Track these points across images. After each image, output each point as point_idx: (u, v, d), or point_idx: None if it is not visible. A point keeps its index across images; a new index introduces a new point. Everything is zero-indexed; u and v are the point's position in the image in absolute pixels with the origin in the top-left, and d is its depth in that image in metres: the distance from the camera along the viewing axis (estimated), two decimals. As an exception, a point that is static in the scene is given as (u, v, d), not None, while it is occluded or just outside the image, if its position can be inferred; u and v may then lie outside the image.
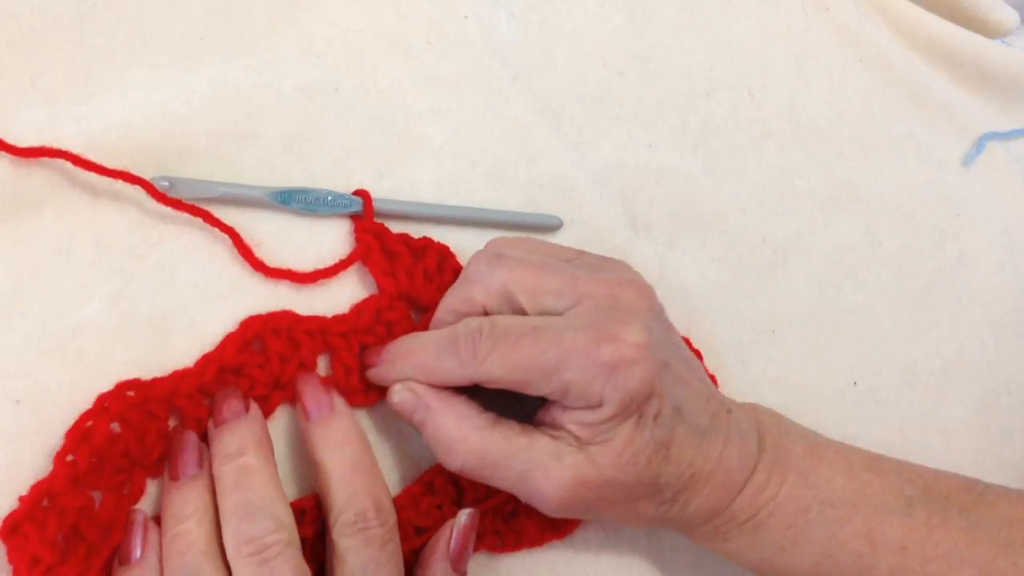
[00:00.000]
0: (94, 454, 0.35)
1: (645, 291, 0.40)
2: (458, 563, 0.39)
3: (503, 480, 0.38)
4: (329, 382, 0.40)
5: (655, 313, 0.39)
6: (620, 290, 0.39)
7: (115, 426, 0.36)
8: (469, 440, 0.38)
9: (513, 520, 0.43)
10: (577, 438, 0.37)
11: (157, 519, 0.36)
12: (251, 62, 0.44)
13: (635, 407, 0.37)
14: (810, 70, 0.58)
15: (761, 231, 0.54)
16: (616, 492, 0.38)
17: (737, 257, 0.53)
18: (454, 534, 0.39)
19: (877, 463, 0.42)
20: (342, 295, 0.42)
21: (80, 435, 0.35)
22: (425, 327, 0.42)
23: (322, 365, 0.41)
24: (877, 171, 0.58)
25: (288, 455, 0.40)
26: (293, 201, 0.42)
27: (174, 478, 0.36)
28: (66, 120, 0.39)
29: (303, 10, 0.46)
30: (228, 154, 0.42)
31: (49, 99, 0.39)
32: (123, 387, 0.36)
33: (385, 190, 0.45)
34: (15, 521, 0.33)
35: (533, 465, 0.37)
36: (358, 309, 0.41)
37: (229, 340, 0.39)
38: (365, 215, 0.43)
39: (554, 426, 0.38)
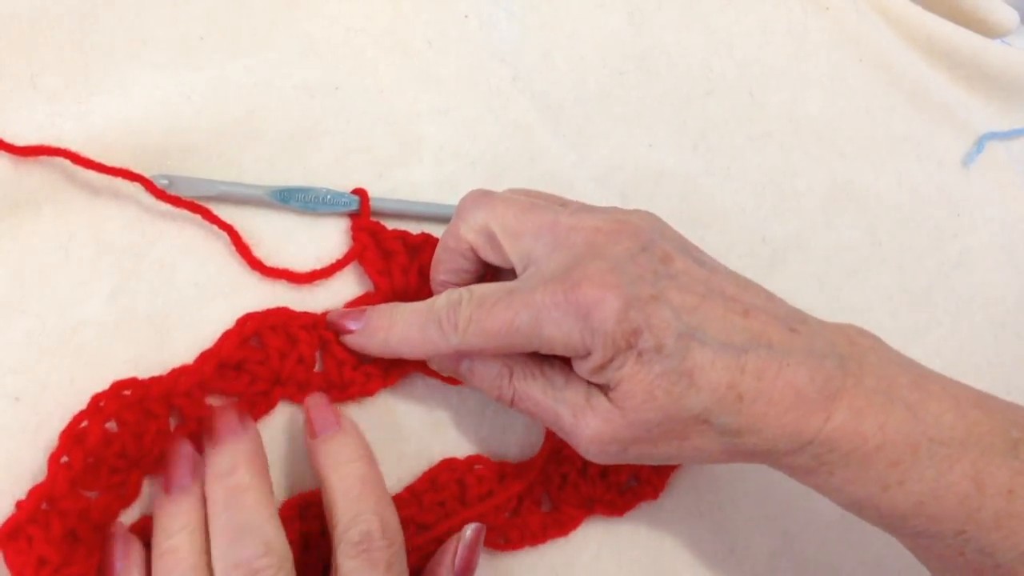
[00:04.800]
0: (89, 455, 0.35)
1: (627, 229, 0.38)
2: None
3: (545, 419, 0.38)
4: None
5: (641, 246, 0.38)
6: (597, 235, 0.38)
7: (111, 425, 0.36)
8: (516, 379, 0.38)
9: (515, 517, 0.43)
10: (596, 386, 0.37)
11: (148, 524, 0.36)
12: (251, 61, 0.44)
13: (624, 345, 0.35)
14: (810, 70, 0.58)
15: (761, 231, 0.54)
16: (651, 431, 0.37)
17: (737, 257, 0.53)
18: (459, 548, 0.39)
19: (984, 400, 0.40)
20: (339, 293, 0.42)
21: (74, 436, 0.35)
22: None
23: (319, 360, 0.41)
24: (877, 171, 0.58)
25: (289, 452, 0.40)
26: (292, 200, 0.42)
27: (166, 490, 0.36)
28: (66, 119, 0.39)
29: (303, 9, 0.46)
30: (228, 152, 0.42)
31: (49, 98, 0.39)
32: (119, 386, 0.36)
33: (385, 189, 0.45)
34: (15, 526, 0.33)
35: (567, 407, 0.37)
36: (351, 305, 0.41)
37: (227, 337, 0.39)
38: (362, 214, 0.43)
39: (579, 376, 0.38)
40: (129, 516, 0.37)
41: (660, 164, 0.52)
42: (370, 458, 0.38)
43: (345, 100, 0.45)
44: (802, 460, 0.38)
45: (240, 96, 0.43)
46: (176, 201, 0.39)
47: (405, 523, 0.40)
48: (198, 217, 0.40)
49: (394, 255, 0.42)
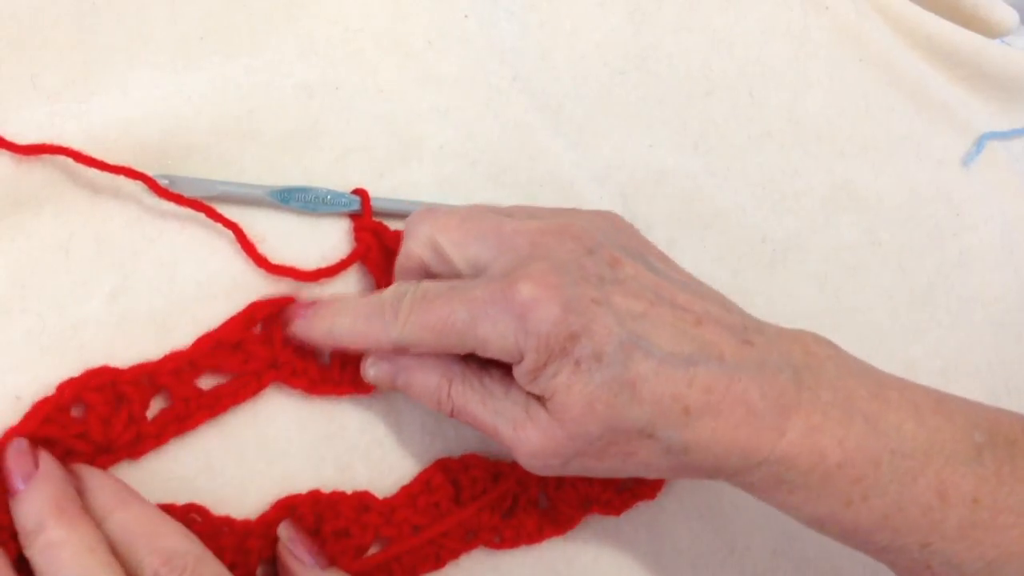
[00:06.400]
0: (37, 434, 0.34)
1: (572, 231, 0.37)
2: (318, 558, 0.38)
3: (484, 430, 0.37)
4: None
5: (587, 248, 0.37)
6: (543, 236, 0.37)
7: (77, 410, 0.36)
8: (454, 389, 0.37)
9: (511, 517, 0.43)
10: (535, 397, 0.36)
11: None
12: (251, 61, 0.44)
13: (559, 351, 0.34)
14: (810, 70, 0.58)
15: (761, 231, 0.54)
16: (592, 444, 0.35)
17: (737, 257, 0.53)
18: (292, 548, 0.38)
19: (943, 404, 0.39)
20: (342, 292, 0.42)
21: (29, 416, 0.35)
22: None
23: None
24: (877, 171, 0.58)
25: (285, 449, 0.40)
26: (292, 200, 0.42)
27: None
28: (67, 118, 0.39)
29: (303, 9, 0.46)
30: (228, 152, 0.42)
31: (49, 98, 0.39)
32: (90, 374, 0.36)
33: (385, 189, 0.45)
34: None
35: (507, 419, 0.36)
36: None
37: (233, 321, 0.39)
38: (363, 214, 0.43)
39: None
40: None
41: (660, 164, 0.52)
42: (121, 501, 0.34)
43: (345, 100, 0.45)
44: (757, 478, 0.37)
45: (240, 96, 0.43)
46: (179, 200, 0.39)
47: (399, 525, 0.40)
48: (199, 216, 0.40)
49: (396, 255, 0.42)
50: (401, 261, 0.40)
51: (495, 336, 0.35)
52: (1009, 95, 0.65)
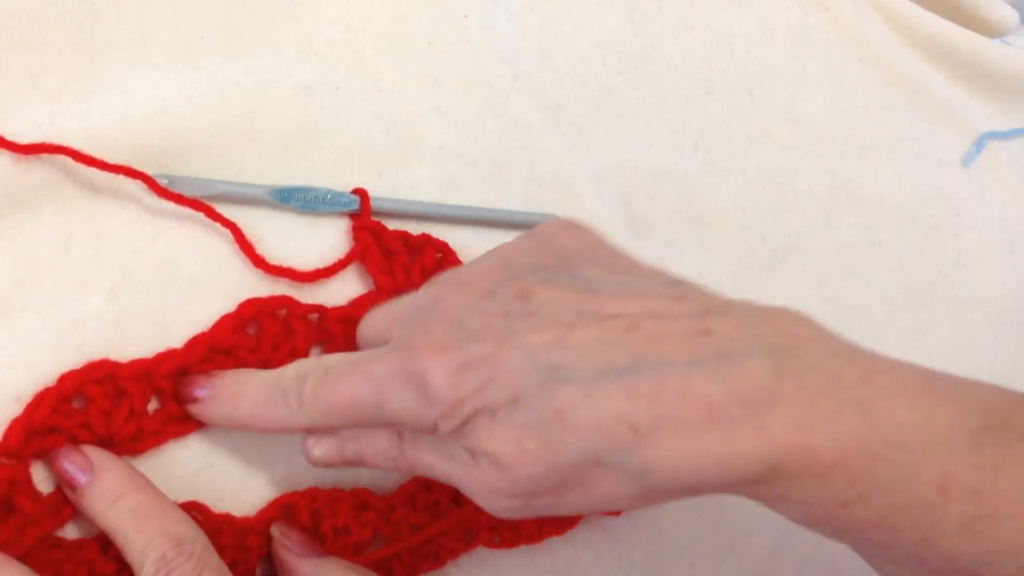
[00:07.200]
0: (40, 423, 0.34)
1: (477, 271, 0.35)
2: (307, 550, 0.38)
3: (444, 479, 0.34)
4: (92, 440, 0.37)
5: (487, 291, 0.34)
6: (444, 288, 0.35)
7: (78, 403, 0.36)
8: (406, 443, 0.35)
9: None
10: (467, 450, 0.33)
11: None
12: (251, 61, 0.44)
13: (470, 411, 0.32)
14: (810, 70, 0.58)
15: (761, 231, 0.54)
16: (542, 484, 0.32)
17: (737, 257, 0.53)
18: (285, 541, 0.38)
19: (933, 385, 0.34)
20: (341, 293, 0.42)
21: (33, 404, 0.35)
22: None
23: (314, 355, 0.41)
24: (877, 171, 0.58)
25: (282, 448, 0.40)
26: (292, 199, 0.42)
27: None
28: (66, 118, 0.39)
29: (303, 9, 0.46)
30: (228, 152, 0.42)
31: (49, 98, 0.39)
32: (91, 367, 0.36)
33: (385, 189, 0.45)
34: None
35: (460, 465, 0.33)
36: (355, 304, 0.41)
37: (224, 320, 0.39)
38: (362, 213, 0.43)
39: None
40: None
41: (660, 164, 0.52)
42: (134, 485, 0.35)
43: (345, 100, 0.45)
44: (746, 492, 0.33)
45: (240, 96, 0.43)
46: (179, 199, 0.39)
47: (398, 523, 0.40)
48: (199, 215, 0.40)
49: (396, 255, 0.42)
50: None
51: (403, 409, 0.33)
52: (1009, 95, 0.65)
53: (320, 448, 0.36)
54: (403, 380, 0.32)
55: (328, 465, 0.36)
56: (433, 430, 0.33)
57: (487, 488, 0.32)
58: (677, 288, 0.34)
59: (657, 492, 0.32)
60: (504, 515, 0.34)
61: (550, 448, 0.31)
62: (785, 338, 0.33)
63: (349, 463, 0.36)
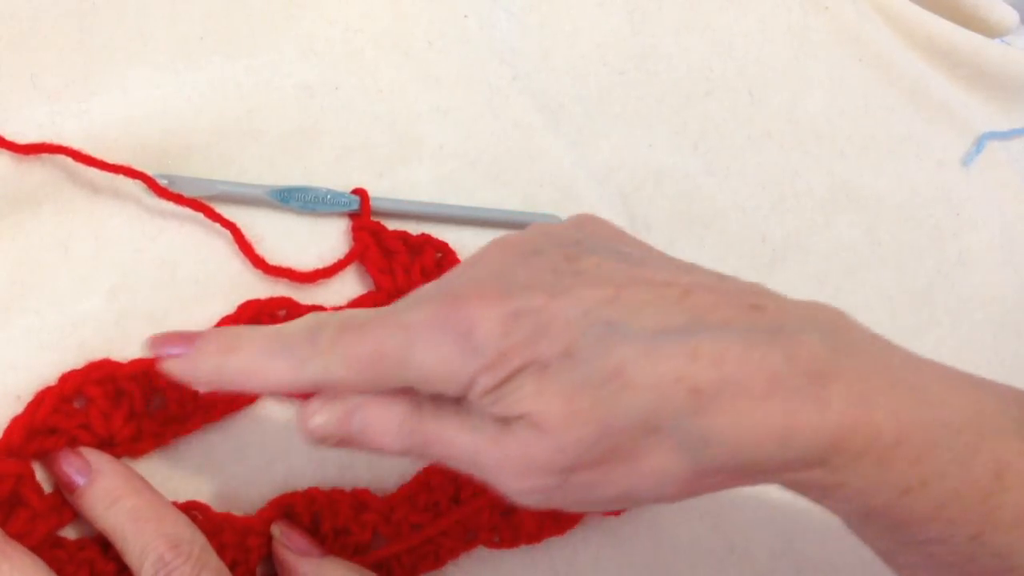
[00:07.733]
0: (35, 427, 0.35)
1: (507, 241, 0.33)
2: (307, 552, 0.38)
3: (462, 460, 0.31)
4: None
5: (533, 249, 0.32)
6: (483, 251, 0.33)
7: (78, 403, 0.36)
8: (425, 413, 0.31)
9: (510, 516, 0.43)
10: (499, 418, 0.30)
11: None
12: (251, 61, 0.44)
13: (518, 363, 0.29)
14: (810, 69, 0.58)
15: (761, 231, 0.54)
16: (591, 452, 0.29)
17: (737, 257, 0.53)
18: (286, 540, 0.38)
19: (969, 377, 0.33)
20: (340, 293, 0.42)
21: (34, 403, 0.35)
22: None
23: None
24: (877, 171, 0.58)
25: (281, 449, 0.40)
26: (292, 199, 0.42)
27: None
28: (67, 118, 0.39)
29: (303, 9, 0.46)
30: (228, 152, 0.42)
31: (49, 98, 0.39)
32: (91, 367, 0.36)
33: (385, 189, 0.45)
34: None
35: (483, 445, 0.30)
36: (355, 304, 0.42)
37: (224, 322, 0.39)
38: (362, 213, 0.43)
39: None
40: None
41: (660, 164, 0.52)
42: (132, 487, 0.35)
43: (345, 100, 0.45)
44: (803, 478, 0.30)
45: (240, 96, 0.43)
46: (178, 199, 0.39)
47: (398, 524, 0.40)
48: (198, 215, 0.40)
49: (395, 255, 0.42)
50: None
51: (436, 360, 0.29)
52: (1009, 95, 0.65)
53: (323, 415, 0.31)
54: (442, 329, 0.29)
55: (324, 439, 0.32)
56: (461, 396, 0.30)
57: (520, 463, 0.29)
58: (720, 273, 0.33)
59: (710, 471, 0.30)
60: (531, 499, 0.30)
61: (605, 407, 0.28)
62: (830, 322, 0.31)
63: (350, 439, 0.32)
